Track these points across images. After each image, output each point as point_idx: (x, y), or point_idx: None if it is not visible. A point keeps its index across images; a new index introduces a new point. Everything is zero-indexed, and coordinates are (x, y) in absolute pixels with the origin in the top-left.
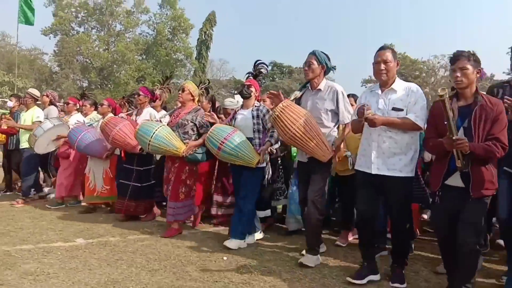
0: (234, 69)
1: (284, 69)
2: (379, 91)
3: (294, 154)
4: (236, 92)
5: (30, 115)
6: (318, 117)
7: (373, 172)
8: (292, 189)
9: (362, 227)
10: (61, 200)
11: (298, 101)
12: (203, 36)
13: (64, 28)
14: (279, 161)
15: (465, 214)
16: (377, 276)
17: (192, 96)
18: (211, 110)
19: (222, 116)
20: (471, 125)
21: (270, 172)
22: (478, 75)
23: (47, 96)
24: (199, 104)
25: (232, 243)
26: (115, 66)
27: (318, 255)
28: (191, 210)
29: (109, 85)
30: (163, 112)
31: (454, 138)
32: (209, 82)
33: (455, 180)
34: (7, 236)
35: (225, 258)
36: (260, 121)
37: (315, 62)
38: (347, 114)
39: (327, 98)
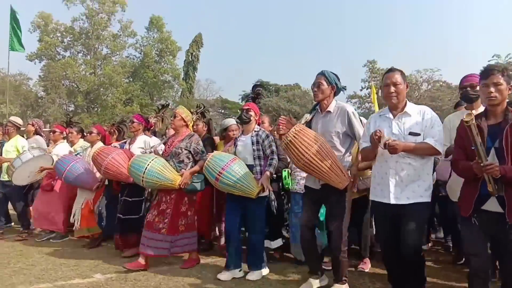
0: (220, 88)
1: (271, 88)
2: (390, 115)
3: (288, 181)
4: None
5: (12, 145)
6: (329, 141)
7: (391, 202)
8: (290, 216)
9: (387, 259)
10: (49, 231)
11: (308, 124)
12: (190, 58)
13: (49, 53)
14: (281, 187)
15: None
16: None
17: (185, 121)
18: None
19: (216, 138)
20: (502, 145)
21: (274, 199)
22: (510, 91)
23: (32, 125)
24: (194, 127)
25: (254, 275)
26: (102, 89)
27: (346, 284)
28: (193, 243)
29: (96, 108)
30: (156, 139)
31: (483, 164)
32: (204, 107)
33: (492, 205)
34: (20, 274)
35: None
36: (260, 147)
37: (324, 83)
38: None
39: (338, 120)
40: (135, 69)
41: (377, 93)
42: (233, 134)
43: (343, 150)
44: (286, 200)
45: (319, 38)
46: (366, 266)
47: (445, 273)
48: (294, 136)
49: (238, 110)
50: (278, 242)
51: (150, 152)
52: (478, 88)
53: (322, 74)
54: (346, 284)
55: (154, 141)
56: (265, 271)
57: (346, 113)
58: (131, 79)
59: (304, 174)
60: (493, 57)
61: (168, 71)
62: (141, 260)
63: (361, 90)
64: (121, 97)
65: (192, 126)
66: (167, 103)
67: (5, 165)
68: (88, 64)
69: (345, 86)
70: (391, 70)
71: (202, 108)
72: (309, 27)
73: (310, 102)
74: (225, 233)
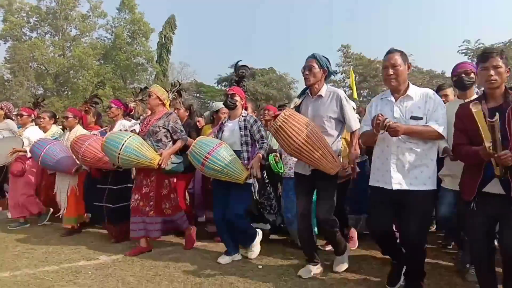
0: (195, 71)
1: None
2: (392, 99)
3: (280, 165)
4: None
5: None
6: (321, 126)
7: (393, 188)
8: (284, 202)
9: (381, 245)
10: (23, 220)
11: (297, 109)
12: (163, 40)
13: (15, 33)
14: (265, 174)
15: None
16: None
17: (161, 100)
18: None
19: (200, 119)
20: (505, 127)
21: (257, 186)
22: (508, 74)
23: (1, 108)
24: (176, 112)
25: (224, 259)
26: (72, 72)
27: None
28: (183, 223)
29: (67, 92)
30: (133, 121)
31: (498, 154)
32: (179, 84)
33: (495, 187)
34: (22, 258)
35: (260, 266)
36: (248, 133)
37: (316, 66)
38: (354, 121)
39: (330, 105)
40: (106, 51)
41: (355, 78)
42: (225, 117)
43: (334, 135)
44: (273, 188)
45: (293, 21)
46: (354, 244)
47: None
48: (284, 121)
49: (223, 96)
50: (267, 226)
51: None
52: (472, 75)
53: (313, 57)
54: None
55: (131, 123)
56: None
57: (338, 98)
58: (102, 62)
59: (295, 158)
60: (463, 42)
61: (141, 53)
62: (142, 244)
63: (335, 74)
64: (93, 80)
65: (174, 111)
66: (145, 86)
67: None
68: (56, 45)
69: (336, 70)
70: (390, 51)
71: (178, 86)
72: (283, 9)
73: (286, 86)
74: (215, 224)
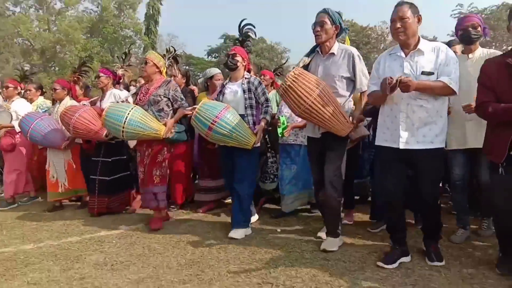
0: (183, 43)
1: (237, 42)
2: (402, 54)
3: (281, 130)
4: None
5: None
6: (331, 85)
7: (400, 147)
8: (281, 168)
9: (390, 210)
10: (11, 200)
11: (305, 68)
12: (150, 11)
13: None
14: (267, 139)
15: None
16: (408, 258)
17: (158, 67)
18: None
19: (194, 88)
20: None
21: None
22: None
23: None
24: (172, 78)
25: (237, 233)
26: (58, 46)
27: (340, 237)
28: (163, 199)
29: (54, 68)
30: (126, 92)
31: None
32: (175, 50)
33: None
34: (42, 231)
35: (279, 230)
36: (253, 95)
37: (328, 22)
38: (365, 80)
39: (342, 63)
40: (93, 25)
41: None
42: (220, 83)
43: (346, 95)
44: (273, 153)
45: None
46: (351, 218)
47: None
48: (293, 81)
49: (225, 64)
50: (273, 185)
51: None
52: (479, 29)
53: (325, 12)
54: (339, 237)
55: (124, 94)
56: (253, 218)
57: (351, 56)
58: (89, 35)
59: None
60: (456, 6)
61: (128, 25)
62: (160, 214)
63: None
64: (80, 55)
65: (170, 77)
66: (128, 50)
67: None
68: (41, 20)
69: (348, 27)
70: (398, 3)
71: (174, 52)
72: None
73: (277, 55)
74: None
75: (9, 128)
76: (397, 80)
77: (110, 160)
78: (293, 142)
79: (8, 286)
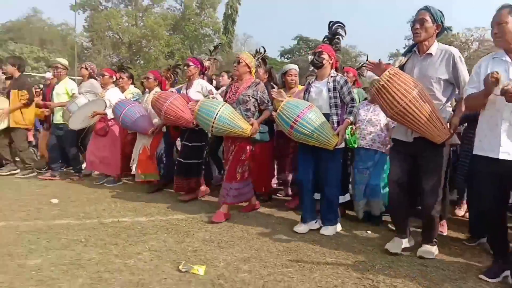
0: (258, 43)
1: (311, 43)
2: (507, 58)
3: (350, 141)
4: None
5: (62, 88)
6: (428, 88)
7: (500, 158)
8: (354, 173)
9: (488, 225)
10: (117, 179)
11: (401, 68)
12: (229, 11)
13: (91, 3)
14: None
15: None
16: (508, 272)
17: (249, 68)
18: (271, 82)
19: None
20: None
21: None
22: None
23: (86, 68)
24: (255, 74)
25: (328, 230)
26: (144, 41)
27: (436, 246)
28: (249, 192)
29: (139, 61)
30: (214, 90)
31: None
32: (265, 51)
33: None
34: (151, 207)
35: (369, 232)
36: (337, 94)
37: (429, 20)
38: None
39: (441, 64)
40: (176, 22)
41: None
42: (291, 80)
43: (443, 99)
44: (350, 156)
45: None
46: (444, 229)
47: None
48: (388, 80)
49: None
50: (346, 197)
51: (208, 96)
52: None
53: (426, 9)
54: (436, 246)
55: (209, 86)
56: (338, 226)
57: (451, 57)
58: (172, 32)
59: (372, 129)
60: None
61: (208, 24)
62: (224, 209)
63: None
64: (163, 50)
65: (255, 73)
66: (220, 43)
67: (60, 110)
68: (130, 15)
69: (450, 26)
70: (498, 8)
71: (263, 53)
72: None
73: (351, 59)
74: (298, 185)
75: (103, 115)
76: (503, 88)
77: (190, 144)
78: (368, 147)
79: (133, 250)
